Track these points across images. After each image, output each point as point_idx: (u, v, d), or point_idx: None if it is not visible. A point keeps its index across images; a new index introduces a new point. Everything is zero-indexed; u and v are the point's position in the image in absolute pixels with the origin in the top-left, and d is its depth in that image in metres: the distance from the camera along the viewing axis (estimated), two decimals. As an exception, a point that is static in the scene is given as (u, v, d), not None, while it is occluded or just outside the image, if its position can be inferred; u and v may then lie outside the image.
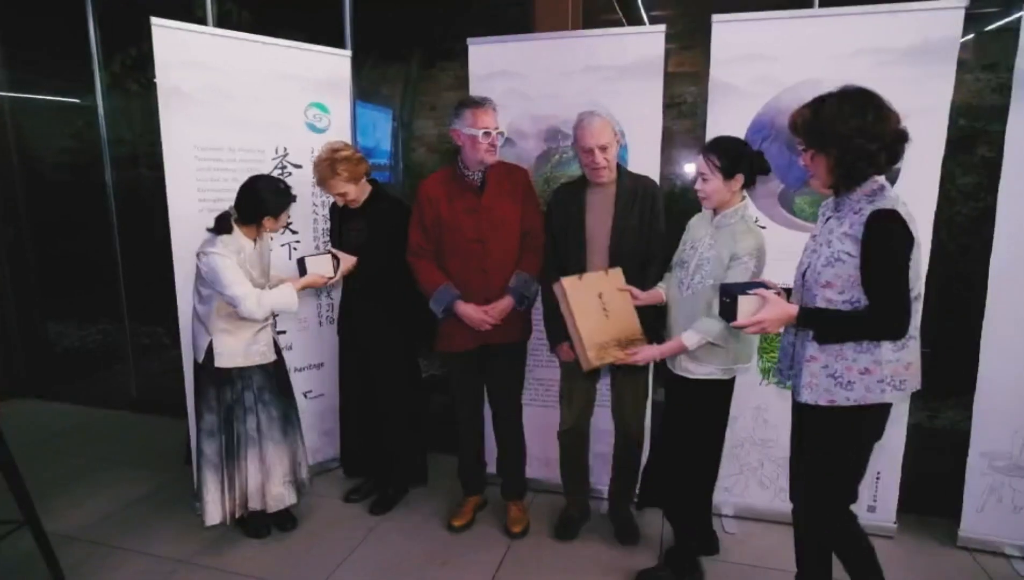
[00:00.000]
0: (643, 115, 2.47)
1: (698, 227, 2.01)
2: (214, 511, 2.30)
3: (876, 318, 1.52)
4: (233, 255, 2.17)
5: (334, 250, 2.44)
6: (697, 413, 2.01)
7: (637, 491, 2.38)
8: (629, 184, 2.20)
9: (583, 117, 2.14)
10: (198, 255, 2.19)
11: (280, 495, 2.38)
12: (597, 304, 2.02)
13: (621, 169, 2.23)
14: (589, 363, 1.99)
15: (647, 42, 2.45)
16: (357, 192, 2.48)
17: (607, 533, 2.50)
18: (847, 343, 1.56)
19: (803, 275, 1.66)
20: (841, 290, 1.55)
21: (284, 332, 2.80)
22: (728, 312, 1.67)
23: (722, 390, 2.02)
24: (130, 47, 4.84)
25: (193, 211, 2.50)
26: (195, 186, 2.52)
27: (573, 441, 2.43)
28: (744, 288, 1.66)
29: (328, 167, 2.40)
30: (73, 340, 5.38)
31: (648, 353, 1.97)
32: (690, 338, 1.89)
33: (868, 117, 1.50)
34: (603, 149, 2.11)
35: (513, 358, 2.45)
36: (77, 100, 5.36)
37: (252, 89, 2.65)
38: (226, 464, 2.31)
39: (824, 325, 1.59)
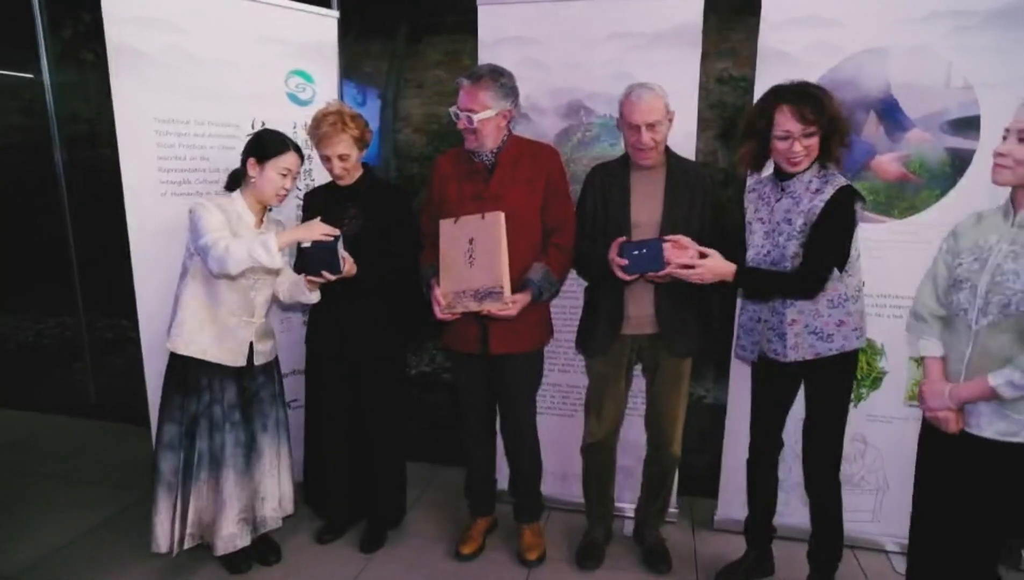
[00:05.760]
0: (677, 90, 2.15)
1: (979, 232, 1.50)
2: (161, 537, 1.99)
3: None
4: (219, 211, 1.89)
5: (344, 254, 1.96)
6: (1010, 491, 1.46)
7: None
8: (679, 169, 1.93)
9: (632, 89, 1.87)
10: (189, 212, 1.92)
11: (231, 536, 2.01)
12: (464, 250, 1.90)
13: (670, 152, 1.96)
14: (442, 310, 1.95)
15: (683, 5, 2.15)
16: (356, 163, 2.13)
17: (634, 558, 2.24)
18: None
19: None
20: None
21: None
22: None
23: None
24: (83, 12, 4.38)
25: (154, 193, 2.14)
26: (155, 165, 2.14)
27: (600, 457, 2.15)
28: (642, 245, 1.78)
29: (339, 120, 2.03)
30: (24, 336, 4.93)
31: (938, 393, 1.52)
32: (1011, 378, 1.37)
33: None
34: (651, 128, 1.84)
35: (527, 366, 2.13)
36: (22, 73, 4.86)
37: (224, 53, 2.28)
38: (181, 485, 1.98)
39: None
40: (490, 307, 1.88)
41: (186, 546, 1.99)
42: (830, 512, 1.92)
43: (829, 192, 1.70)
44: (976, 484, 1.47)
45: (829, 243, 1.71)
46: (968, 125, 1.96)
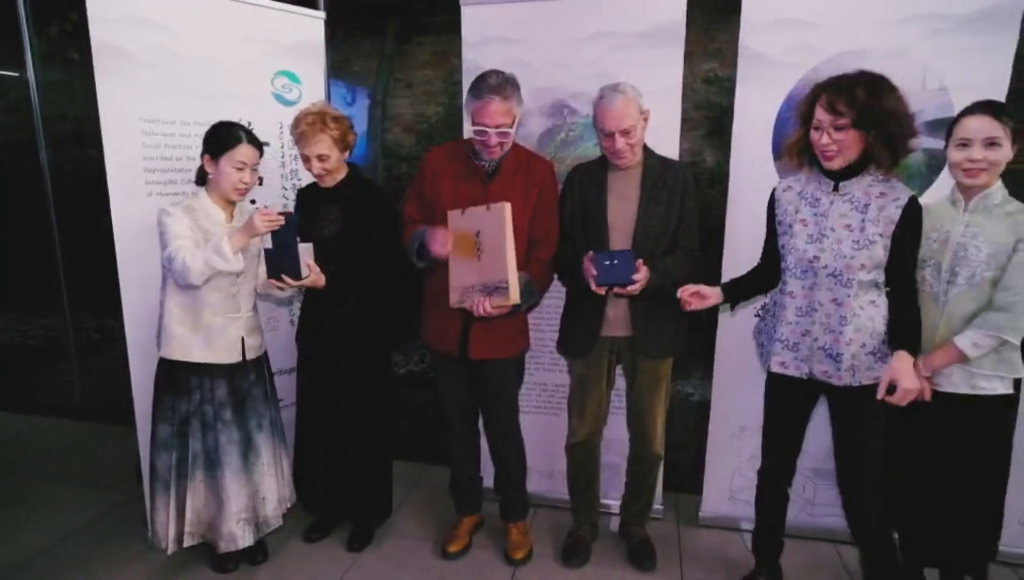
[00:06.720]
0: (661, 89, 2.18)
1: (931, 220, 1.65)
2: (161, 534, 2.00)
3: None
4: (187, 215, 1.90)
5: (310, 262, 1.96)
6: (984, 440, 1.65)
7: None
8: (657, 168, 1.94)
9: (604, 93, 1.86)
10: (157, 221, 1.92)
11: (232, 535, 2.02)
12: (471, 243, 1.87)
13: (648, 150, 1.97)
14: (451, 303, 1.94)
15: (667, 4, 2.17)
16: (338, 164, 2.11)
17: (619, 554, 2.26)
18: None
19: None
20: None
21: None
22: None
23: (1012, 408, 1.67)
24: (69, 11, 4.35)
25: (139, 193, 2.13)
26: (141, 165, 2.14)
27: (584, 456, 2.17)
28: (613, 255, 1.78)
29: (318, 120, 2.02)
30: (10, 336, 4.89)
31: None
32: (975, 339, 1.54)
33: None
34: (625, 133, 1.84)
35: (507, 371, 2.12)
36: (7, 71, 4.82)
37: (210, 53, 2.28)
38: (177, 483, 1.98)
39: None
40: (495, 303, 1.83)
41: (186, 544, 2.00)
42: (878, 526, 1.76)
43: (901, 198, 1.58)
44: (951, 438, 1.66)
45: (916, 255, 1.63)
46: (944, 126, 1.95)
